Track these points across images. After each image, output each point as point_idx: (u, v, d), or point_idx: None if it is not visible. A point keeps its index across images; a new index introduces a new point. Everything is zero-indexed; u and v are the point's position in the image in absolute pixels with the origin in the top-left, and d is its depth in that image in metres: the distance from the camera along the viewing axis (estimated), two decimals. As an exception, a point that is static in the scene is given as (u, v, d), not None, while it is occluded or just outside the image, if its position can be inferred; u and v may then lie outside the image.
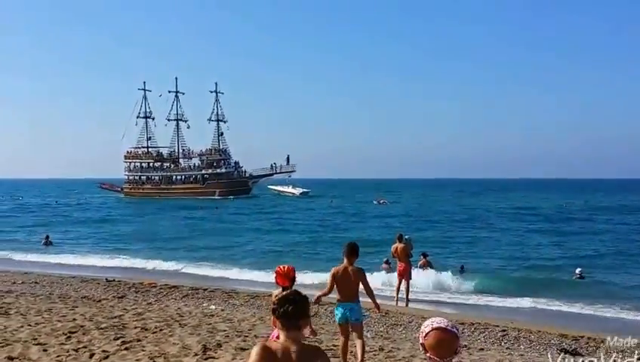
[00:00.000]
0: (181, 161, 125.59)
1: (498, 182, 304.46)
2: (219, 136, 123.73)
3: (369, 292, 10.10)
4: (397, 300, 20.20)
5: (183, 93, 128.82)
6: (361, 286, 9.96)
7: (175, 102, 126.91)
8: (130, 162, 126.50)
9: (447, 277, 24.84)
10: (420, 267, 26.31)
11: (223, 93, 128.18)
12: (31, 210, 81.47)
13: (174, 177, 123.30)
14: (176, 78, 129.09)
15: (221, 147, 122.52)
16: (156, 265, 30.57)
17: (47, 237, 40.89)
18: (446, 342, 3.87)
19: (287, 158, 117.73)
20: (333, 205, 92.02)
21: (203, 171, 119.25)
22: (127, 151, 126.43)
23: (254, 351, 4.04)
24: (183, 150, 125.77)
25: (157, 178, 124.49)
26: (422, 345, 3.98)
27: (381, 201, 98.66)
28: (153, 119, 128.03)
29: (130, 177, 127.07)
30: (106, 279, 23.90)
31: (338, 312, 9.87)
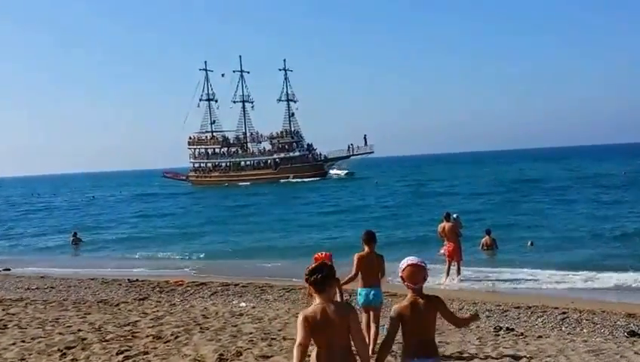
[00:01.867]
0: (249, 145, 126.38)
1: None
2: (290, 117, 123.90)
3: (383, 275, 11.08)
4: (445, 283, 20.47)
5: (248, 72, 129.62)
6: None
7: (240, 82, 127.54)
8: (194, 148, 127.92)
9: (511, 255, 25.32)
10: (483, 247, 27.24)
11: (292, 71, 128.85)
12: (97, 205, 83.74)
13: (244, 163, 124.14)
14: (240, 57, 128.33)
15: (292, 129, 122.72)
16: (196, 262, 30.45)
17: (75, 234, 40.98)
18: (416, 272, 6.09)
19: (365, 138, 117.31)
20: (379, 185, 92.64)
21: (275, 156, 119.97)
22: (191, 137, 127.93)
23: (298, 322, 5.64)
24: (251, 134, 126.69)
25: (224, 164, 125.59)
26: (401, 277, 6.15)
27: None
28: (216, 101, 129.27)
29: (196, 165, 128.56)
30: (129, 279, 23.59)
31: (361, 296, 10.98)
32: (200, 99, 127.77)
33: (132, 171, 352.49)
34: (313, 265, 5.90)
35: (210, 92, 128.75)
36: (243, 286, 21.30)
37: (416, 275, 6.09)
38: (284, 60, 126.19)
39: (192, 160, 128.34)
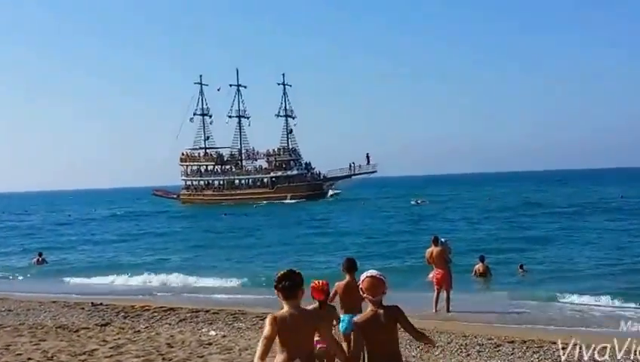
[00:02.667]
0: (244, 162, 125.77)
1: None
2: (287, 133, 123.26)
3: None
4: (435, 313, 19.79)
5: (245, 87, 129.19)
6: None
7: (237, 97, 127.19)
8: (187, 165, 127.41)
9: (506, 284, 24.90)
10: (476, 274, 26.90)
11: (290, 86, 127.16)
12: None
13: (239, 181, 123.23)
14: (237, 70, 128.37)
15: (290, 146, 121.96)
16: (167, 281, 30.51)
17: (40, 254, 40.42)
18: (375, 284, 6.60)
19: (367, 157, 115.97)
20: (365, 206, 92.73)
21: (272, 174, 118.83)
22: (183, 153, 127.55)
23: (267, 320, 6.18)
24: (247, 150, 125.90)
25: (218, 182, 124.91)
26: (360, 289, 6.68)
27: (419, 201, 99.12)
28: (210, 116, 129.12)
29: (188, 182, 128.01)
30: (92, 303, 22.81)
31: (343, 323, 10.77)
32: (194, 114, 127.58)
33: (122, 189, 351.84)
34: (282, 273, 6.37)
35: (205, 107, 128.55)
36: (214, 313, 20.41)
37: (376, 288, 6.59)
38: (283, 75, 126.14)
39: (183, 177, 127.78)
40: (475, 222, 59.17)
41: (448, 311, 19.90)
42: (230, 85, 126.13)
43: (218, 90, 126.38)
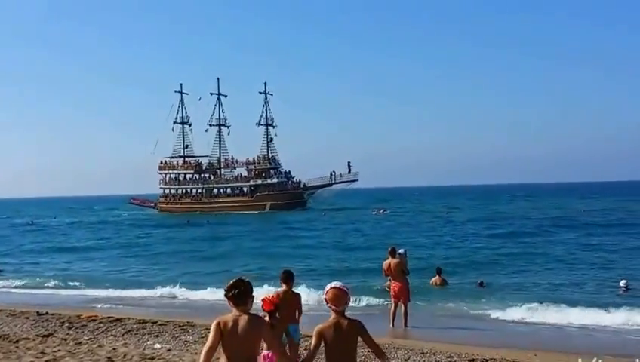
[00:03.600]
0: (223, 171, 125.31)
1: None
2: (268, 142, 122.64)
3: (300, 314, 12.12)
4: (393, 328, 19.31)
5: (226, 96, 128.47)
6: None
7: (217, 106, 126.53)
8: (165, 173, 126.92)
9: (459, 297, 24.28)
10: (434, 287, 26.89)
11: (272, 95, 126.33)
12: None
13: (218, 190, 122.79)
14: (217, 79, 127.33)
15: (270, 155, 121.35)
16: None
17: None
18: (339, 295, 7.00)
19: (349, 165, 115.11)
20: (325, 217, 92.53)
21: (251, 182, 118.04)
22: (162, 162, 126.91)
23: (212, 326, 6.58)
24: (225, 159, 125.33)
25: (196, 191, 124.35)
26: (325, 299, 7.13)
27: (381, 211, 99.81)
28: (190, 125, 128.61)
29: (166, 191, 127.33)
30: (37, 312, 22.15)
31: (296, 333, 11.61)
32: (174, 122, 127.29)
33: (99, 197, 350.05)
34: (232, 282, 6.70)
35: (185, 115, 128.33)
36: (162, 324, 19.73)
37: (339, 298, 6.97)
38: (265, 83, 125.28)
39: (161, 185, 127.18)
40: (437, 234, 58.60)
41: (406, 325, 19.39)
42: (211, 94, 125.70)
43: (199, 99, 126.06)
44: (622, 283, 26.15)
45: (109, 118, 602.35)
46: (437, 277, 27.19)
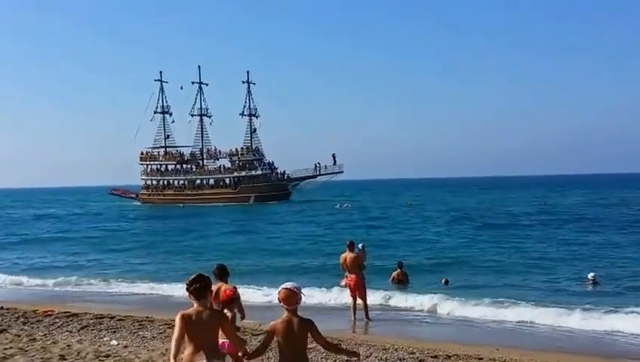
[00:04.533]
0: (205, 162, 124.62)
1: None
2: (251, 133, 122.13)
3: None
4: (354, 323, 19.23)
5: (207, 85, 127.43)
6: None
7: (199, 95, 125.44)
8: (147, 164, 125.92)
9: (427, 292, 23.72)
10: (393, 281, 26.79)
11: (254, 84, 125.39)
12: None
13: (201, 181, 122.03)
14: (199, 67, 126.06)
15: (254, 146, 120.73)
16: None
17: None
18: (290, 296, 7.63)
19: (334, 157, 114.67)
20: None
21: (235, 174, 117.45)
22: (143, 153, 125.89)
23: (176, 319, 7.29)
24: (208, 150, 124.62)
25: (179, 182, 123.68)
26: (278, 299, 7.76)
27: (344, 206, 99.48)
28: (171, 115, 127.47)
29: (148, 182, 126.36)
30: None
31: None
32: (155, 112, 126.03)
33: (76, 187, 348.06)
34: (192, 277, 7.45)
35: (165, 105, 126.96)
36: (119, 320, 19.34)
37: (290, 298, 7.63)
38: (248, 72, 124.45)
39: (143, 177, 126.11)
40: (399, 229, 57.78)
41: (367, 318, 19.38)
42: (192, 83, 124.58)
43: (181, 88, 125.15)
44: (590, 275, 26.15)
45: (85, 107, 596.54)
46: (398, 270, 26.96)
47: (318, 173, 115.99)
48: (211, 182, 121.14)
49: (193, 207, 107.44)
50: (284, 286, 7.73)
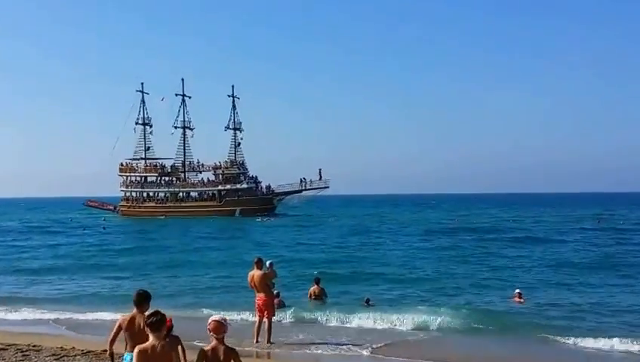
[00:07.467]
0: (187, 174, 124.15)
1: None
2: (235, 146, 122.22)
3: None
4: (256, 342, 18.42)
5: (190, 97, 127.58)
6: None
7: (182, 108, 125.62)
8: (126, 176, 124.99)
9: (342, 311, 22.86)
10: (311, 297, 25.95)
11: (239, 98, 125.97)
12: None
13: (184, 194, 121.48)
14: (182, 80, 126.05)
15: (238, 159, 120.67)
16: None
17: None
18: (218, 326, 8.73)
19: (320, 172, 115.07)
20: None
21: (220, 187, 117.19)
22: (122, 164, 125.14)
23: (134, 354, 8.11)
24: (190, 163, 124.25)
25: (161, 194, 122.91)
26: (208, 329, 8.76)
27: (265, 220, 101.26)
28: (151, 127, 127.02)
29: (127, 194, 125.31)
30: None
31: (127, 359, 10.32)
32: (135, 123, 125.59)
33: (54, 198, 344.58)
34: (151, 312, 8.41)
35: (146, 116, 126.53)
36: (1, 349, 17.34)
37: (219, 328, 8.77)
38: (233, 87, 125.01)
39: (122, 188, 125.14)
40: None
41: (269, 341, 18.33)
42: (176, 95, 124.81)
43: (162, 100, 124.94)
44: (516, 291, 26.33)
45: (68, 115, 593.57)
46: (315, 286, 26.06)
47: (303, 188, 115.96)
48: (194, 194, 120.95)
49: (177, 219, 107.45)
50: (213, 318, 8.93)
